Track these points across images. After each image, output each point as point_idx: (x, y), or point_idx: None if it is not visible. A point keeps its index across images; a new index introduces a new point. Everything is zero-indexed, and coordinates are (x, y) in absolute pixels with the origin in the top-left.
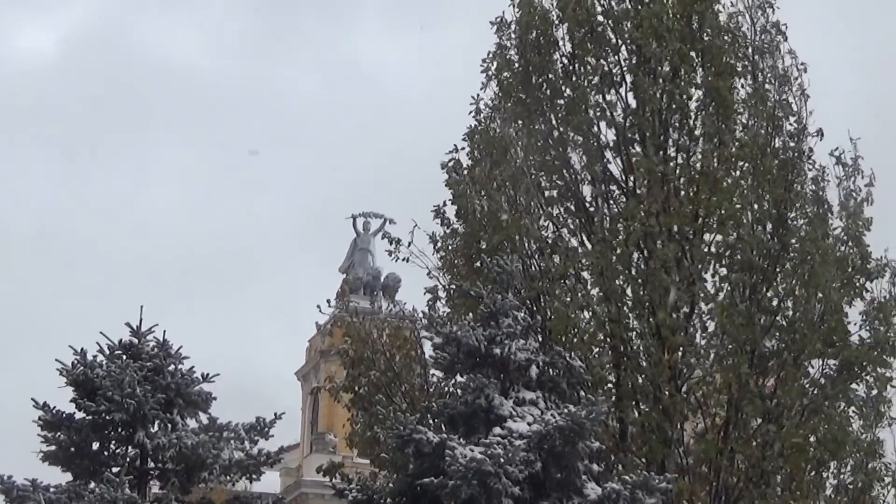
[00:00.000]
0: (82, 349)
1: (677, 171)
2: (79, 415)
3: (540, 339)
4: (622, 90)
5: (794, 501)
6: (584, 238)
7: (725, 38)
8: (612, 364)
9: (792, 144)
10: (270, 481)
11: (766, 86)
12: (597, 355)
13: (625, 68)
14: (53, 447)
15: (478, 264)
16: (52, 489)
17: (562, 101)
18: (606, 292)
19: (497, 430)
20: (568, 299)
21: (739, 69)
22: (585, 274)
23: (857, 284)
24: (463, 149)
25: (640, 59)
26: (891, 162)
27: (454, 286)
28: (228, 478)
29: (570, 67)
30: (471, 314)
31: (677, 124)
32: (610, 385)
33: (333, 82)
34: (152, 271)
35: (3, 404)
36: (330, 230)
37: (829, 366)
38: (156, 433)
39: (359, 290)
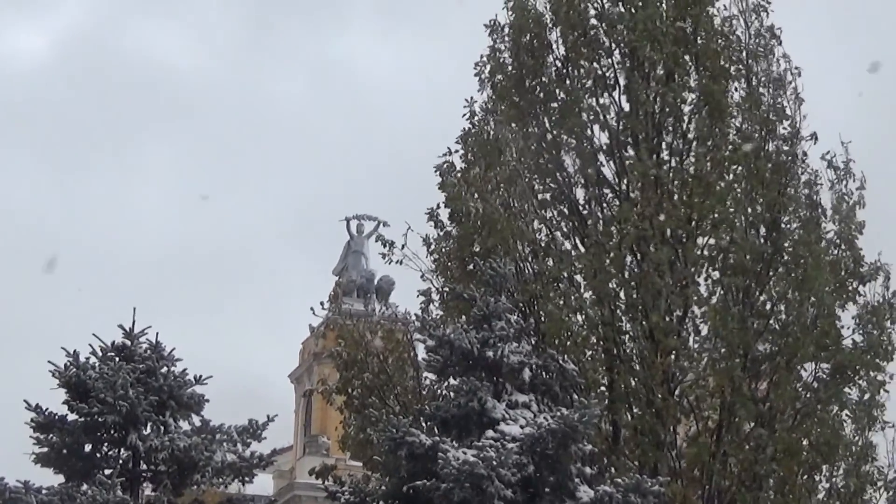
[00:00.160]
0: (75, 351)
1: (671, 175)
2: (71, 417)
3: (533, 342)
4: (615, 93)
5: None
6: (578, 241)
7: (719, 41)
8: (605, 367)
9: (786, 148)
10: (263, 483)
11: (760, 89)
12: (590, 358)
13: (618, 71)
14: (46, 449)
15: (471, 267)
16: (44, 491)
17: (555, 104)
18: (600, 295)
19: (490, 432)
20: (561, 302)
21: (733, 73)
22: (579, 277)
23: (850, 288)
24: (456, 152)
25: (633, 62)
26: (886, 165)
27: (447, 289)
28: (221, 480)
29: (564, 70)
30: (464, 317)
31: (671, 127)
32: (603, 388)
33: (324, 85)
34: (145, 273)
35: None
36: (323, 233)
37: (821, 369)
38: (148, 435)
39: (352, 292)
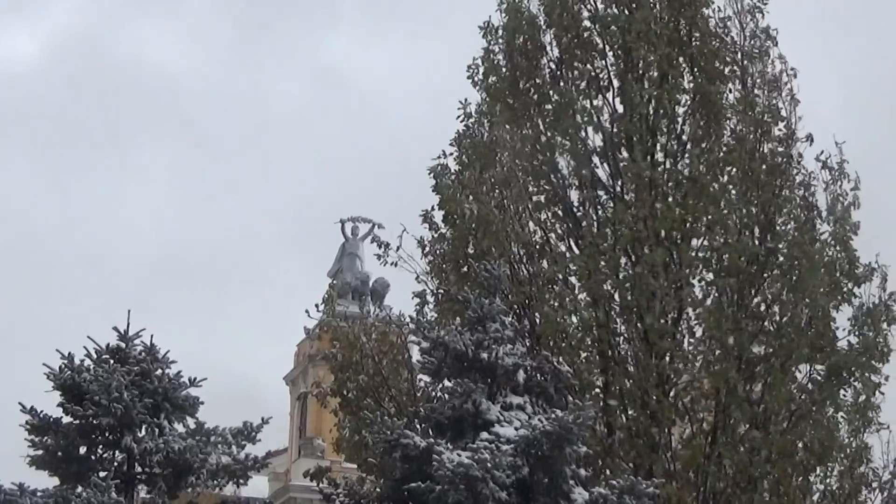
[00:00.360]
0: (70, 353)
1: (665, 176)
2: (66, 419)
3: (527, 344)
4: (609, 95)
5: None
6: (572, 243)
7: (714, 43)
8: (600, 369)
9: (780, 149)
10: (258, 486)
11: (756, 91)
12: (584, 360)
13: (612, 73)
14: (41, 451)
15: (465, 269)
16: (39, 493)
17: (549, 106)
18: (594, 297)
19: (484, 434)
20: (556, 304)
21: (728, 74)
22: (573, 279)
23: (845, 289)
24: (451, 154)
25: (627, 63)
26: (882, 166)
27: (442, 291)
28: (216, 482)
29: (558, 72)
30: (458, 319)
31: (665, 129)
32: (597, 390)
33: (320, 87)
34: (140, 275)
35: None
36: (318, 235)
37: (816, 371)
38: (143, 437)
39: (347, 294)
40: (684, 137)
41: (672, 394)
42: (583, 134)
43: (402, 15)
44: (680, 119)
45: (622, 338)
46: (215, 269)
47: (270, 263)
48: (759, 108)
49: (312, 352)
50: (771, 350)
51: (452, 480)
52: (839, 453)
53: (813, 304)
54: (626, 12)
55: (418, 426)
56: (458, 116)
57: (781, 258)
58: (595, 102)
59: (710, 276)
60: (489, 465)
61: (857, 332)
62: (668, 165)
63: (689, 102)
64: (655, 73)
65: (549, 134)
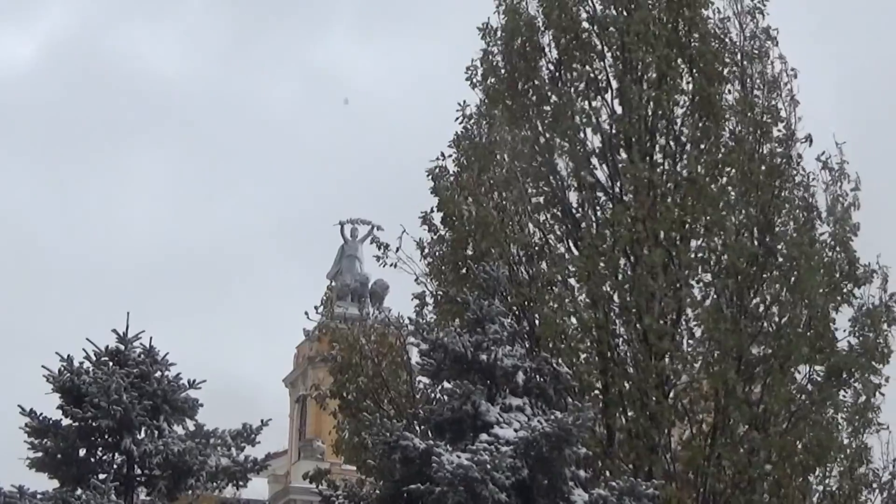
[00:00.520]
0: (69, 356)
1: (664, 177)
2: (65, 421)
3: (527, 346)
4: (608, 96)
5: None
6: (571, 244)
7: (713, 43)
8: (600, 370)
9: (780, 150)
10: (259, 488)
11: (755, 91)
12: (584, 361)
13: (611, 74)
14: (40, 454)
15: (464, 271)
16: (38, 496)
17: (548, 108)
18: (593, 298)
19: (484, 436)
20: (555, 305)
21: (727, 75)
22: (572, 280)
23: (845, 290)
24: (450, 156)
25: (625, 65)
26: (882, 167)
27: (441, 292)
28: (215, 484)
29: (556, 74)
30: (458, 320)
31: (664, 130)
32: (597, 391)
33: (317, 88)
34: (138, 278)
35: None
36: (317, 236)
37: (816, 372)
38: (142, 440)
39: (346, 296)
40: (683, 138)
41: (671, 395)
42: (582, 135)
43: (399, 16)
44: (679, 120)
45: (621, 339)
46: (214, 271)
47: (269, 265)
48: (758, 108)
49: (312, 354)
50: (770, 351)
51: (452, 482)
52: (839, 454)
53: (812, 304)
54: (625, 13)
55: (417, 428)
56: (457, 118)
57: (780, 259)
58: (594, 104)
59: (709, 277)
60: (489, 466)
61: (857, 334)
62: (666, 166)
63: (687, 103)
64: (654, 75)
65: (547, 135)
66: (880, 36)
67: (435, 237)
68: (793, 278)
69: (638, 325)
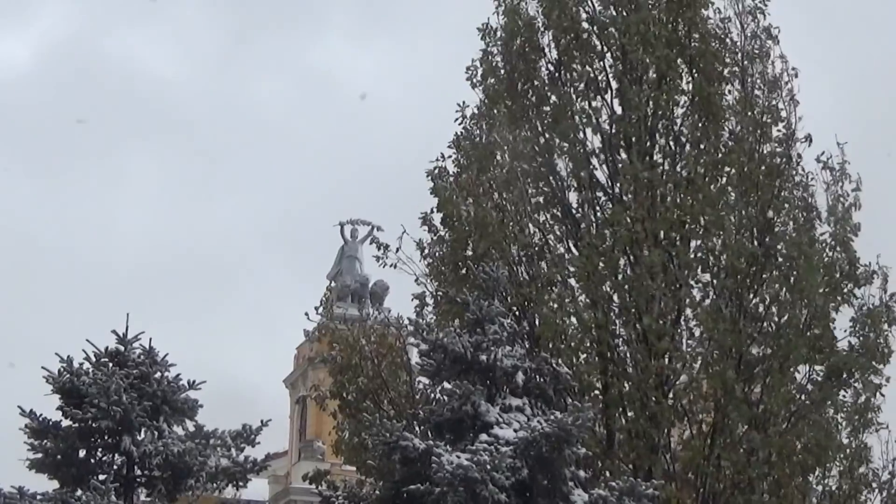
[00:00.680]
0: (69, 357)
1: (663, 177)
2: (65, 422)
3: (526, 346)
4: (608, 96)
5: None
6: (571, 244)
7: (713, 43)
8: (599, 370)
9: (779, 150)
10: (259, 488)
11: (756, 91)
12: (584, 361)
13: (610, 75)
14: (40, 455)
15: (464, 271)
16: (38, 497)
17: (547, 108)
18: (593, 298)
19: (483, 436)
20: (555, 306)
21: (727, 75)
22: (572, 280)
23: (845, 290)
24: (449, 156)
25: (625, 65)
26: (881, 167)
27: (441, 293)
28: (215, 485)
29: (556, 74)
30: (457, 321)
31: (664, 130)
32: (597, 391)
33: (316, 89)
34: (137, 279)
35: None
36: (317, 237)
37: (815, 372)
38: (142, 440)
39: (346, 297)
40: (683, 138)
41: (671, 395)
42: (581, 135)
43: (398, 17)
44: (678, 120)
45: (621, 339)
46: (214, 272)
47: (269, 266)
48: (758, 108)
49: (312, 354)
50: (770, 351)
51: (452, 482)
52: (838, 453)
53: (811, 304)
54: (625, 14)
55: (417, 428)
56: (457, 119)
57: (780, 259)
58: (594, 104)
59: (708, 277)
60: (488, 466)
61: (857, 334)
62: (666, 166)
63: (687, 103)
64: (654, 75)
65: (547, 135)
66: (880, 36)
67: (435, 238)
68: (792, 278)
69: (637, 326)
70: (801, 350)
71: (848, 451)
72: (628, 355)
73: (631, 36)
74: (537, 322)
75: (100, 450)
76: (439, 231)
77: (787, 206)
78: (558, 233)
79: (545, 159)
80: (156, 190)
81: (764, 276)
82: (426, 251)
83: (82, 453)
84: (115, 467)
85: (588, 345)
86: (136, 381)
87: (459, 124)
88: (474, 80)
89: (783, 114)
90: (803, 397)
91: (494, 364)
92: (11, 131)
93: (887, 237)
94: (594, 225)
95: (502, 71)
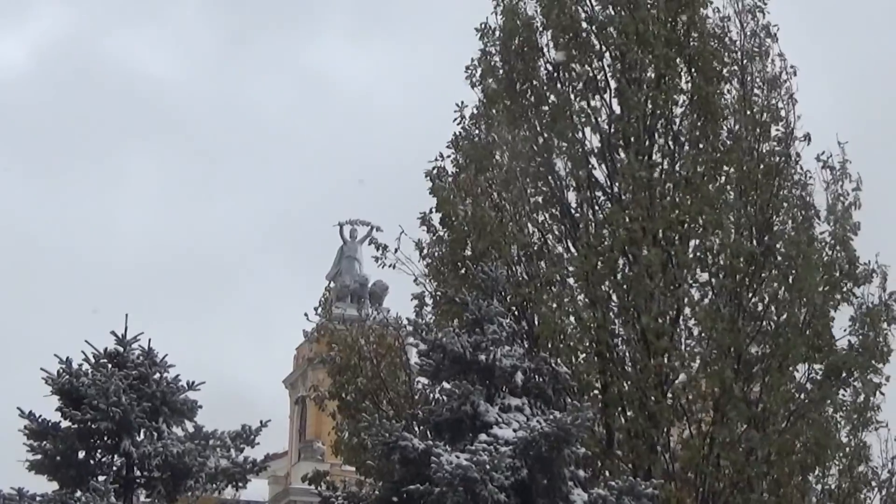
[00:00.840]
0: (67, 358)
1: (662, 177)
2: (65, 423)
3: (526, 346)
4: (607, 96)
5: None
6: (570, 244)
7: (713, 43)
8: (599, 370)
9: (778, 149)
10: (259, 489)
11: (755, 90)
12: (583, 361)
13: (609, 74)
14: (39, 456)
15: (463, 271)
16: (38, 498)
17: (546, 108)
18: (592, 298)
19: (483, 436)
20: (554, 305)
21: (726, 74)
22: (571, 280)
23: (844, 289)
24: (448, 156)
25: (624, 65)
26: (881, 166)
27: (440, 293)
28: (215, 486)
29: (555, 74)
30: (456, 321)
31: (662, 130)
32: (596, 391)
33: (311, 90)
34: (136, 280)
35: None
36: (316, 238)
37: (814, 371)
38: (142, 441)
39: (346, 297)
40: (682, 138)
41: (670, 394)
42: (580, 135)
43: (396, 17)
44: (677, 119)
45: (620, 338)
46: (213, 273)
47: (268, 266)
48: (757, 107)
49: (311, 355)
50: (769, 350)
51: (451, 482)
52: (837, 452)
53: (811, 303)
54: (623, 14)
55: (416, 428)
56: (455, 119)
57: (779, 258)
58: (592, 103)
59: (707, 276)
60: (488, 466)
61: (856, 332)
62: (665, 166)
63: (686, 103)
64: (652, 74)
65: (546, 135)
66: (880, 36)
67: (433, 238)
68: (791, 277)
69: (636, 325)
70: (801, 349)
71: (847, 449)
72: (627, 355)
73: (630, 35)
74: (536, 322)
75: (99, 451)
76: (438, 231)
77: (785, 205)
78: (557, 232)
79: (544, 159)
80: (156, 190)
81: (763, 275)
82: (425, 251)
83: (82, 454)
84: (114, 468)
85: (587, 344)
86: (136, 381)
87: (458, 124)
88: (473, 80)
89: (782, 113)
90: (802, 396)
91: (493, 364)
92: (11, 131)
93: (887, 236)
94: (593, 224)
95: (501, 71)
